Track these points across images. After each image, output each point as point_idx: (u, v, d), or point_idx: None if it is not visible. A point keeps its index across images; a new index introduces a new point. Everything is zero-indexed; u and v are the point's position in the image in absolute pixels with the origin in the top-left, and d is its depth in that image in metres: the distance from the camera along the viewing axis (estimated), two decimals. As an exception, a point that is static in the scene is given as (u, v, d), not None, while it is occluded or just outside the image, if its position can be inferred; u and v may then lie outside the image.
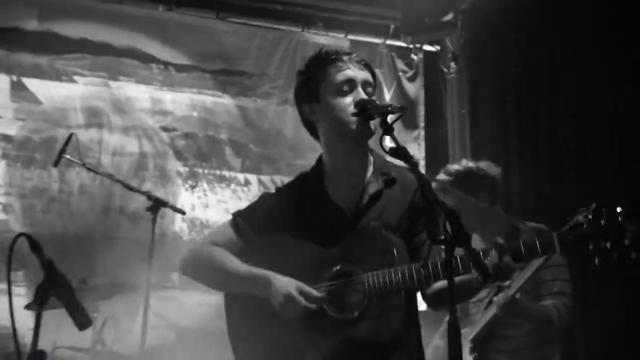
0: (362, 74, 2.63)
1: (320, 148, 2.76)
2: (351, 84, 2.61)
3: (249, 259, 2.64)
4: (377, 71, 5.97)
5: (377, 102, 2.56)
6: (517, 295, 3.84)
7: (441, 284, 2.50)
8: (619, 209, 2.27)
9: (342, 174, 2.69)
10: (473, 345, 3.97)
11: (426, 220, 2.52)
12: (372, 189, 2.64)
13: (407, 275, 2.42)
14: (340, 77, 2.61)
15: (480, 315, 3.99)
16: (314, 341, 2.50)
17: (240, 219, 2.76)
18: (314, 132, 2.76)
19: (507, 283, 3.90)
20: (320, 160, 2.76)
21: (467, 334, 4.01)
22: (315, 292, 2.50)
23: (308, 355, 2.51)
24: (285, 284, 2.51)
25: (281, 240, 2.66)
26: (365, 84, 2.62)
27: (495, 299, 3.91)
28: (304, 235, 2.62)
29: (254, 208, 2.80)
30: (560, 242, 2.31)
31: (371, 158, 2.70)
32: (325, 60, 2.68)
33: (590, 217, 2.31)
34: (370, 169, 2.68)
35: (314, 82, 2.67)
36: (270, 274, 2.55)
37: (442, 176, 4.18)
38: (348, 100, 2.59)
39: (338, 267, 2.53)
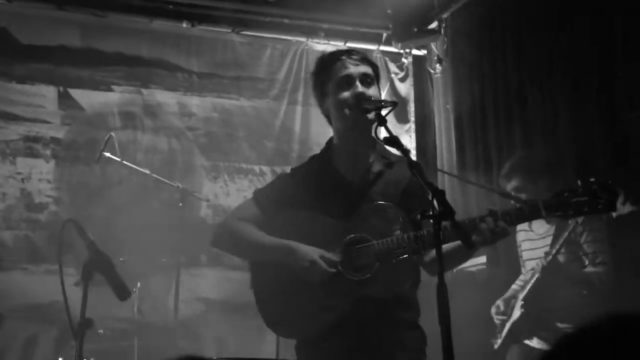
0: (359, 69, 2.63)
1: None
2: (349, 79, 2.61)
3: (270, 231, 2.66)
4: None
5: (374, 96, 2.57)
6: (558, 260, 3.88)
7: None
8: (592, 179, 2.36)
9: (349, 155, 2.70)
10: (523, 303, 4.03)
11: (420, 198, 2.55)
12: (377, 168, 2.67)
13: (412, 240, 2.44)
14: (340, 74, 2.63)
15: (527, 278, 4.03)
16: (332, 300, 2.53)
17: (261, 195, 2.77)
18: (330, 122, 2.77)
19: (547, 250, 3.94)
20: (329, 142, 2.78)
21: (520, 295, 4.05)
22: (334, 257, 2.53)
23: (327, 312, 2.54)
24: (309, 251, 2.54)
25: (298, 214, 2.67)
26: (363, 77, 2.62)
27: (536, 264, 3.96)
28: (317, 207, 2.64)
29: (273, 186, 2.83)
30: (545, 208, 2.37)
31: (374, 145, 2.71)
32: (328, 61, 2.70)
33: (570, 188, 2.38)
34: (374, 153, 2.69)
35: (322, 81, 2.70)
36: (293, 243, 2.57)
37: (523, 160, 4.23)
38: (346, 94, 2.60)
39: (351, 236, 2.55)
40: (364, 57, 2.69)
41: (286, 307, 2.61)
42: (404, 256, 2.48)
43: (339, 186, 2.66)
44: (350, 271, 2.51)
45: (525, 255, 4.22)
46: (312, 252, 2.53)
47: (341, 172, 2.68)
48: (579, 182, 2.36)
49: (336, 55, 2.69)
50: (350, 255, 2.53)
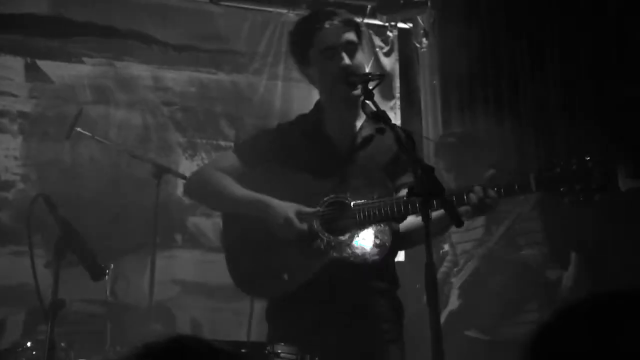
0: (343, 37, 2.60)
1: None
2: (333, 49, 2.59)
3: (248, 185, 2.64)
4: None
5: (360, 68, 2.56)
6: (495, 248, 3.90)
7: (409, 224, 2.53)
8: (587, 158, 2.31)
9: (338, 118, 2.70)
10: (460, 292, 4.03)
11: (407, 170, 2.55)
12: (365, 132, 2.66)
13: (395, 207, 2.43)
14: (323, 44, 2.60)
15: (465, 266, 4.04)
16: (305, 260, 2.52)
17: (243, 148, 2.78)
18: (312, 83, 2.77)
19: (480, 236, 3.95)
20: (318, 103, 2.77)
21: (456, 283, 4.06)
22: (311, 216, 2.52)
23: (299, 272, 2.53)
24: (285, 207, 2.52)
25: (278, 170, 2.66)
26: (347, 45, 2.60)
27: (476, 252, 3.96)
28: (299, 166, 2.63)
29: (256, 140, 2.82)
30: (536, 182, 2.35)
31: (364, 109, 2.68)
32: (309, 26, 2.67)
33: (563, 163, 2.34)
34: (364, 117, 2.67)
35: (302, 47, 2.68)
36: (268, 198, 2.55)
37: (448, 139, 4.21)
38: (331, 66, 2.58)
39: (331, 196, 2.54)
40: (347, 20, 2.65)
41: (257, 264, 2.60)
42: (383, 222, 2.50)
43: (326, 148, 2.66)
44: (325, 232, 2.51)
45: (454, 237, 4.23)
46: (288, 208, 2.52)
47: (329, 134, 2.67)
48: (574, 160, 2.32)
49: (318, 20, 2.65)
50: (327, 216, 2.53)
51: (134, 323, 4.48)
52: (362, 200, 2.50)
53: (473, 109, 5.47)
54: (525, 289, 3.95)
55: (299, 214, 2.51)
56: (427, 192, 2.07)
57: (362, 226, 2.48)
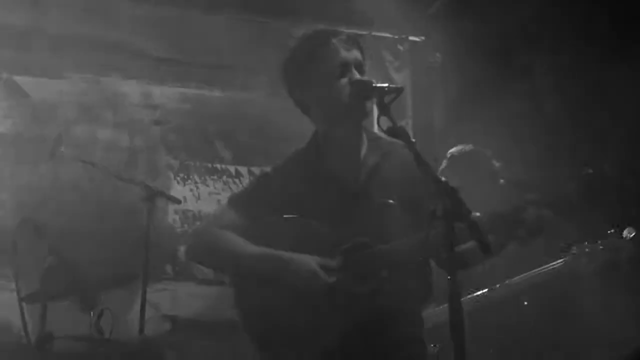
0: (353, 54, 2.64)
1: (313, 124, 2.77)
2: (344, 67, 2.61)
3: (253, 240, 2.61)
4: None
5: (374, 82, 2.56)
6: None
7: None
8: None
9: (340, 150, 2.69)
10: None
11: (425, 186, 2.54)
12: (371, 162, 2.65)
13: (421, 244, 2.41)
14: (333, 61, 2.62)
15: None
16: (334, 316, 2.49)
17: (238, 200, 2.75)
18: (305, 111, 2.76)
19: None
20: (314, 136, 2.76)
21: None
22: (334, 264, 2.50)
23: (329, 330, 2.50)
24: (307, 260, 2.50)
25: (284, 219, 2.62)
26: (357, 63, 2.63)
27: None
28: (307, 210, 2.60)
29: (252, 188, 2.84)
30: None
31: (365, 135, 2.72)
32: (315, 45, 2.68)
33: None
34: (366, 145, 2.69)
35: (304, 66, 2.68)
36: (285, 253, 2.53)
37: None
38: (343, 82, 2.60)
39: (350, 243, 2.52)
40: (354, 40, 2.69)
41: (281, 327, 2.57)
42: (417, 261, 2.49)
43: (332, 185, 2.64)
44: (352, 282, 2.48)
45: None
46: (310, 261, 2.49)
47: (333, 169, 2.66)
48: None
49: (324, 39, 2.66)
50: (351, 263, 2.50)
51: (121, 362, 4.47)
52: (387, 240, 2.47)
53: (489, 128, 5.50)
54: None
55: (323, 265, 2.49)
56: (452, 215, 2.06)
57: (392, 269, 2.46)
